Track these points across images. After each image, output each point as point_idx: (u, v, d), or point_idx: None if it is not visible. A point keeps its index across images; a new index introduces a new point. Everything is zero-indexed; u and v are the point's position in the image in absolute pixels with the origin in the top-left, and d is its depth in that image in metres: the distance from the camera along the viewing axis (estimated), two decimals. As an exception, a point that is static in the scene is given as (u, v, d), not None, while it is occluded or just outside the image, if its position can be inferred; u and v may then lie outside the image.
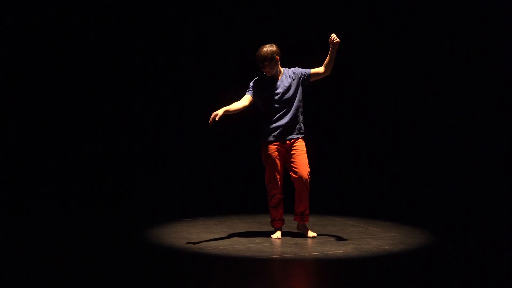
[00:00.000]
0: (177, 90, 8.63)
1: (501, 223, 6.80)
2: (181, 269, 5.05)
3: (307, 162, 5.97)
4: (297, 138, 5.99)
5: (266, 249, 5.55)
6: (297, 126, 6.01)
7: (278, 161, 5.97)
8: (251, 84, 6.03)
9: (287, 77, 6.00)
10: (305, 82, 6.02)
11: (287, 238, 5.99)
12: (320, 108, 8.79)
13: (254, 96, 5.98)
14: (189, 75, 8.66)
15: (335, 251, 5.50)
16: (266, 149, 5.98)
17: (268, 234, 6.14)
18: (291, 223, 6.24)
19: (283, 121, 5.95)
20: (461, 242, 6.00)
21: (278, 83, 5.97)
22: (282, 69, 6.03)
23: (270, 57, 5.85)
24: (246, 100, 5.96)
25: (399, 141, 8.72)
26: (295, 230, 6.22)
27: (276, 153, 5.96)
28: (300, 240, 5.86)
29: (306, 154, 5.98)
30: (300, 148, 5.97)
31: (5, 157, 7.87)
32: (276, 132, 5.95)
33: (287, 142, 5.97)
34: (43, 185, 7.94)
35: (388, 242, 5.86)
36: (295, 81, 6.00)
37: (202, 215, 6.96)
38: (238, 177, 8.46)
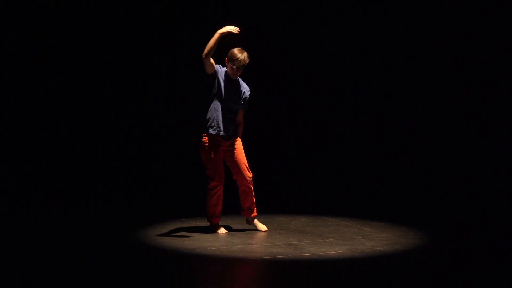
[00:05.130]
0: (172, 91, 8.60)
1: (496, 224, 6.80)
2: (174, 270, 5.02)
3: (246, 161, 6.16)
4: (236, 136, 6.16)
5: (259, 250, 5.54)
6: (236, 127, 6.17)
7: (221, 155, 6.12)
8: (218, 66, 6.02)
9: (241, 85, 6.14)
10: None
11: (280, 238, 5.97)
12: (315, 107, 8.80)
13: (216, 73, 5.99)
14: (187, 76, 8.63)
15: (328, 252, 5.49)
16: (211, 141, 6.08)
17: (263, 234, 6.14)
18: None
19: (231, 120, 6.09)
20: (455, 243, 5.99)
21: (240, 87, 6.11)
22: None
23: (248, 63, 5.97)
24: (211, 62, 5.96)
25: (393, 141, 8.71)
26: (289, 232, 6.22)
27: (220, 146, 6.10)
28: (293, 241, 5.85)
29: (244, 153, 6.16)
30: (240, 146, 6.16)
31: (4, 156, 7.83)
32: (222, 128, 6.04)
33: (228, 140, 6.11)
34: (38, 185, 7.90)
35: (382, 242, 5.85)
36: (242, 93, 6.14)
37: (195, 215, 6.93)
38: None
